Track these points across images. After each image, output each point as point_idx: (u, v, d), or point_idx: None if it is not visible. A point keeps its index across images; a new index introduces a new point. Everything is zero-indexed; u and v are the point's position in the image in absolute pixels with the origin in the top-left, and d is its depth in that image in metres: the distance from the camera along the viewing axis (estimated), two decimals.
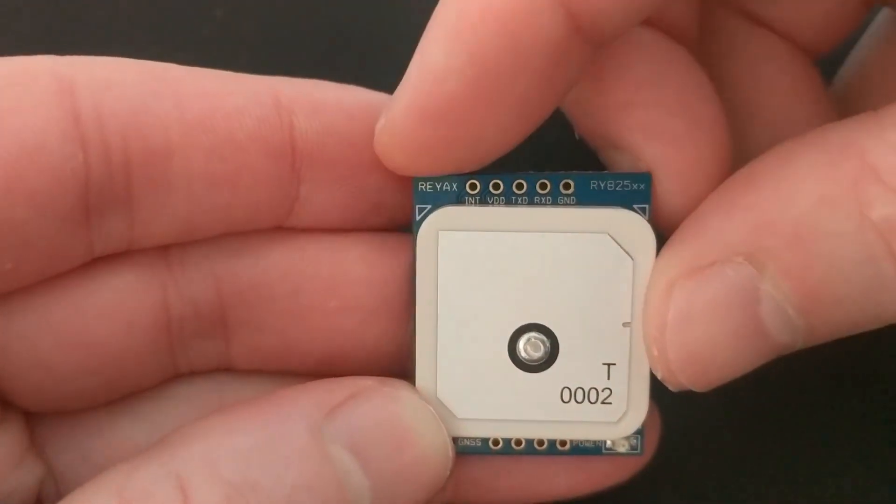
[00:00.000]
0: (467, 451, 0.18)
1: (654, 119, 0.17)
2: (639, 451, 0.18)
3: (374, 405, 0.16)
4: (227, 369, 0.18)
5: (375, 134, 0.16)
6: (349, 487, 0.15)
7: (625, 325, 0.17)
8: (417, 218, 0.17)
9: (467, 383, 0.17)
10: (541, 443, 0.18)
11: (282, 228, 0.18)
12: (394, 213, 0.18)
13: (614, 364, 0.17)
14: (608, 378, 0.17)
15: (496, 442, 0.18)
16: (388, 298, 0.18)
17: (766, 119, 0.19)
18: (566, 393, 0.17)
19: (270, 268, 0.18)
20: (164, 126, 0.15)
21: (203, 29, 0.24)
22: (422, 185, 0.17)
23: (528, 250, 0.17)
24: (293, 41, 0.24)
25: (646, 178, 0.17)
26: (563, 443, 0.18)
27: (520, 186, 0.17)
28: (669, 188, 0.17)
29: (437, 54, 0.15)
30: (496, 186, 0.17)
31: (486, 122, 0.15)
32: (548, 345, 0.17)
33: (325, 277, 0.18)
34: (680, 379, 0.16)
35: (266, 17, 0.24)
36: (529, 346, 0.17)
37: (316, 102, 0.17)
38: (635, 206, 0.17)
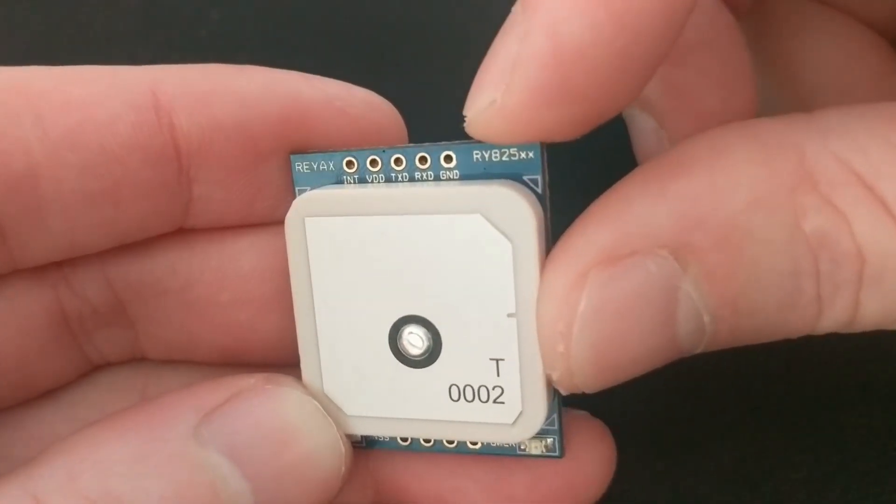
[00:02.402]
0: (376, 445, 0.17)
1: (679, 76, 0.16)
2: (557, 453, 0.16)
3: (254, 404, 0.15)
4: (144, 359, 0.18)
5: (477, 115, 0.14)
6: (225, 494, 0.15)
7: (509, 315, 0.15)
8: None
9: (353, 379, 0.16)
10: (451, 442, 0.16)
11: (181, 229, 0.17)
12: None
13: (503, 359, 0.15)
14: (497, 375, 0.15)
15: (404, 439, 0.17)
16: (282, 289, 0.17)
17: (825, 94, 0.18)
18: (454, 391, 0.16)
19: (159, 264, 0.17)
20: (24, 149, 0.15)
21: (200, 30, 0.25)
22: (299, 165, 0.16)
23: (399, 235, 0.15)
24: (290, 42, 0.24)
25: (535, 147, 0.15)
26: (473, 442, 0.16)
27: (398, 162, 0.16)
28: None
29: (575, 25, 0.13)
30: (374, 163, 0.16)
31: (624, 89, 0.14)
32: (429, 338, 0.15)
33: (214, 271, 0.17)
34: (577, 380, 0.14)
35: (262, 18, 0.24)
36: (410, 341, 0.16)
37: (200, 95, 0.16)
38: (525, 178, 0.15)
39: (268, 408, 0.15)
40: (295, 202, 0.16)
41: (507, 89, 0.13)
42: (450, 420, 0.16)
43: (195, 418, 0.15)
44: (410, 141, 0.17)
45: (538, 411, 0.15)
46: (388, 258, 0.15)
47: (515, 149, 0.15)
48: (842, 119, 0.14)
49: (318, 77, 0.16)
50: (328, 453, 0.16)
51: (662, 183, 0.14)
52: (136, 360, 0.18)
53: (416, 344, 0.15)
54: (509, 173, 0.15)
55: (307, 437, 0.16)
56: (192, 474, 0.14)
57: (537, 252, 0.15)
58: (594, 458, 0.17)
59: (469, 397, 0.15)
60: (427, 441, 0.17)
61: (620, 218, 0.14)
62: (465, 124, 0.14)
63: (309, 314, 0.16)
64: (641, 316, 0.13)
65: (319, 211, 0.15)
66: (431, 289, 0.15)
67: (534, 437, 0.16)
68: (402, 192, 0.15)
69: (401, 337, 0.16)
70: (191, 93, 0.16)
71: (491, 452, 0.16)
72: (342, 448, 0.16)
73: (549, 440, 0.16)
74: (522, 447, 0.16)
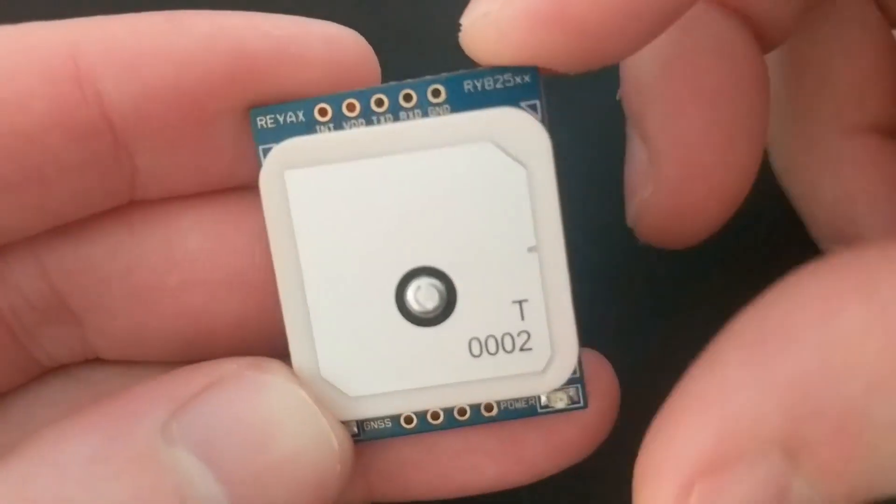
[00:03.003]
0: (376, 435, 0.15)
1: (682, 125, 0.16)
2: (581, 404, 0.15)
3: (232, 395, 0.13)
4: (97, 360, 0.16)
5: (472, 25, 0.13)
6: (194, 499, 0.12)
7: (530, 249, 0.14)
8: (262, 160, 0.14)
9: (355, 354, 0.14)
10: (462, 412, 0.15)
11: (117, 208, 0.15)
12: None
13: (526, 300, 0.14)
14: (522, 319, 0.14)
15: (409, 419, 0.15)
16: (239, 269, 0.15)
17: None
18: (475, 345, 0.14)
19: (97, 248, 0.15)
20: None
21: None
22: (260, 119, 0.14)
23: (399, 178, 0.14)
24: None
25: (531, 69, 0.14)
26: (488, 407, 0.15)
27: (380, 103, 0.14)
28: (669, 176, 0.16)
29: None
30: (351, 108, 0.14)
31: (629, 32, 0.13)
32: (443, 289, 0.14)
33: (158, 252, 0.15)
34: None
35: None
36: (421, 295, 0.14)
37: (129, 59, 0.13)
38: (523, 104, 0.14)
39: (247, 399, 0.13)
40: (271, 153, 0.14)
41: (504, 2, 0.13)
42: (472, 380, 0.14)
43: (165, 412, 0.13)
44: (386, 80, 0.15)
45: (570, 353, 0.14)
46: (387, 206, 0.14)
47: (510, 73, 0.14)
48: None
49: (265, 16, 0.14)
50: (318, 450, 0.14)
51: (767, 364, 0.12)
52: (91, 361, 0.16)
53: (428, 298, 0.14)
54: (504, 102, 0.14)
55: (292, 433, 0.13)
56: (157, 477, 0.12)
57: (553, 175, 0.14)
58: (602, 393, 0.16)
59: (492, 349, 0.14)
60: (436, 418, 0.15)
61: (723, 412, 0.12)
62: (459, 35, 0.13)
63: (296, 286, 0.14)
64: None
65: (301, 161, 0.14)
66: (440, 234, 0.14)
67: (557, 390, 0.15)
68: (397, 127, 0.14)
69: (409, 293, 0.14)
70: (117, 56, 0.13)
71: (508, 417, 0.15)
72: (334, 443, 0.14)
73: (572, 391, 0.15)
74: (544, 404, 0.15)
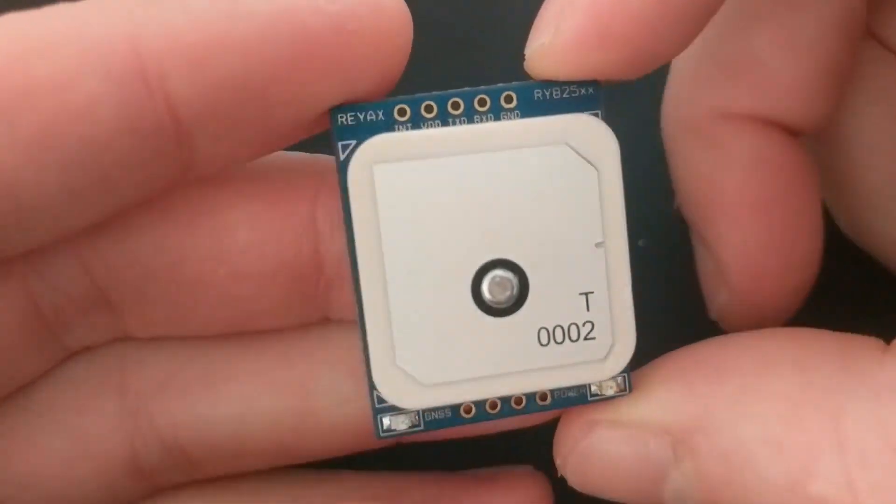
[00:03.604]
0: (436, 426, 0.15)
1: (732, 214, 0.17)
2: (627, 391, 0.16)
3: None
4: (125, 339, 0.16)
5: (534, 54, 0.14)
6: None
7: (597, 245, 0.15)
8: (342, 157, 0.14)
9: (431, 343, 0.15)
10: (518, 401, 0.15)
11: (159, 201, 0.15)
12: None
13: (592, 292, 0.15)
14: (587, 310, 0.15)
15: (468, 409, 0.15)
16: (285, 260, 0.15)
17: None
18: (544, 334, 0.15)
19: (143, 243, 0.15)
20: None
21: None
22: (341, 117, 0.15)
23: (479, 175, 0.15)
24: None
25: (593, 83, 0.15)
26: (543, 396, 0.16)
27: (456, 106, 0.15)
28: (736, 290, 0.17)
29: None
30: (429, 109, 0.15)
31: (669, 38, 0.14)
32: (515, 281, 0.15)
33: (206, 245, 0.15)
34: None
35: None
36: (495, 286, 0.15)
37: (195, 50, 0.13)
38: (586, 114, 0.15)
39: None
40: (361, 147, 0.14)
41: (555, 32, 0.14)
42: (539, 367, 0.15)
43: None
44: (437, 82, 0.16)
45: (629, 340, 0.15)
46: (467, 202, 0.15)
47: (575, 86, 0.15)
48: None
49: None
50: None
51: (694, 381, 0.15)
52: (118, 340, 0.16)
53: (503, 289, 0.15)
54: (570, 110, 0.15)
55: None
56: None
57: (620, 177, 0.15)
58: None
59: (559, 339, 0.15)
60: (493, 407, 0.16)
61: (648, 395, 0.15)
62: (524, 63, 0.15)
63: (378, 276, 0.14)
64: (627, 478, 0.15)
65: (390, 156, 0.14)
66: (515, 229, 0.15)
67: (608, 378, 0.16)
68: (479, 128, 0.15)
69: (484, 285, 0.15)
70: (182, 50, 0.13)
71: (562, 405, 0.16)
72: None
73: (620, 379, 0.16)
74: (594, 392, 0.16)
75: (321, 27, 0.13)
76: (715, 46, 0.17)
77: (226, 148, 0.14)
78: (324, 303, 0.16)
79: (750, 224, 0.17)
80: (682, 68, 0.18)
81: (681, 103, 0.18)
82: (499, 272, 0.15)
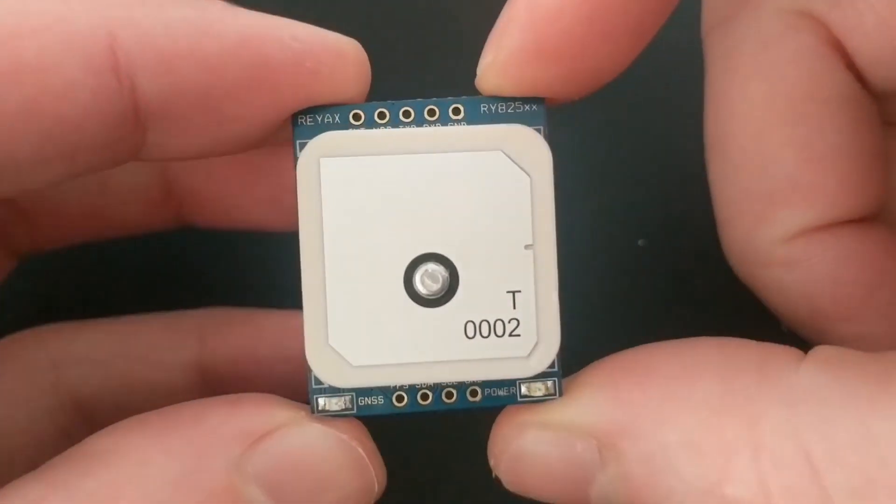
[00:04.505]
0: (368, 412, 0.16)
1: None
2: (557, 394, 0.16)
3: (298, 441, 0.15)
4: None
5: (481, 71, 0.16)
6: None
7: (527, 247, 0.16)
8: (297, 152, 0.16)
9: (362, 326, 0.16)
10: (449, 395, 0.16)
11: None
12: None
13: (519, 291, 0.16)
14: (514, 307, 0.16)
15: (400, 398, 0.16)
16: None
17: None
18: (470, 327, 0.16)
19: None
20: None
21: None
22: (302, 119, 0.16)
23: (418, 173, 0.16)
24: None
25: (539, 100, 0.16)
26: (473, 392, 0.16)
27: (407, 114, 0.16)
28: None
29: None
30: (382, 115, 0.16)
31: (601, 54, 0.15)
32: (446, 275, 0.16)
33: None
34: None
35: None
36: (427, 278, 0.16)
37: (164, 57, 0.14)
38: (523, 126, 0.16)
39: (313, 447, 0.15)
40: (311, 142, 0.16)
41: (497, 49, 0.15)
42: (463, 359, 0.16)
43: (239, 447, 0.15)
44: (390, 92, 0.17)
45: (553, 341, 0.16)
46: (406, 197, 0.16)
47: (520, 102, 0.16)
48: (820, 389, 0.14)
49: (288, 26, 0.15)
50: (363, 497, 0.16)
51: (621, 386, 0.15)
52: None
53: (433, 281, 0.16)
54: (512, 123, 0.16)
55: (347, 482, 0.15)
56: None
57: (552, 185, 0.16)
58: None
59: (485, 333, 0.16)
60: (425, 399, 0.16)
61: (577, 399, 0.16)
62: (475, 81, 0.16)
63: (317, 262, 0.16)
64: (557, 479, 0.16)
65: (336, 151, 0.16)
66: (449, 225, 0.16)
67: (536, 380, 0.16)
68: (422, 131, 0.16)
69: (416, 276, 0.16)
70: (153, 54, 0.14)
71: (492, 404, 0.16)
72: (376, 488, 0.16)
73: (550, 382, 0.16)
74: (524, 393, 0.16)
75: (281, 60, 0.15)
76: (752, 182, 0.18)
77: (175, 144, 0.16)
78: None
79: None
80: (727, 214, 0.19)
81: (741, 245, 0.19)
82: (431, 265, 0.16)
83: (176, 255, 0.21)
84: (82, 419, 0.20)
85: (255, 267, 0.21)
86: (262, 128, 0.16)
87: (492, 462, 0.17)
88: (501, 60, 0.15)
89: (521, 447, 0.16)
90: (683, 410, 0.15)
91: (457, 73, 0.17)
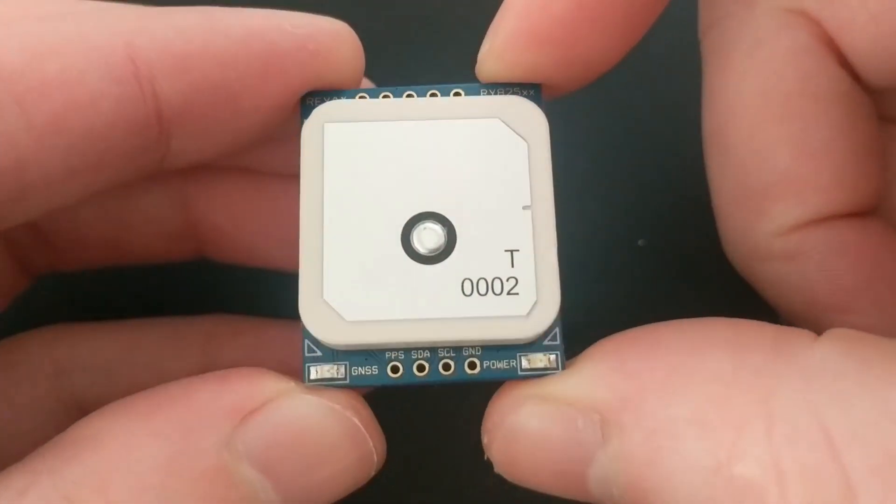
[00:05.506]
0: (361, 382, 0.16)
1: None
2: (559, 368, 0.16)
3: (291, 415, 0.15)
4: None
5: (479, 58, 0.16)
6: None
7: (525, 207, 0.16)
8: (302, 122, 0.17)
9: (358, 282, 0.15)
10: (447, 367, 0.16)
11: None
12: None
13: (517, 250, 0.16)
14: (512, 266, 0.16)
15: (395, 369, 0.16)
16: None
17: None
18: (467, 285, 0.15)
19: None
20: (11, 143, 0.14)
21: None
22: (309, 100, 0.17)
23: (418, 138, 0.16)
24: None
25: (535, 86, 0.17)
26: (472, 364, 0.16)
27: (410, 97, 0.17)
28: None
29: None
30: (385, 97, 0.17)
31: (592, 42, 0.16)
32: (443, 233, 0.16)
33: None
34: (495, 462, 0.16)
35: None
36: (424, 236, 0.16)
37: (180, 59, 0.15)
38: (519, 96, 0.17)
39: (306, 420, 0.15)
40: (316, 109, 0.16)
41: (494, 36, 0.16)
42: (461, 317, 0.15)
43: (229, 424, 0.14)
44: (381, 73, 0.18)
45: (552, 302, 0.15)
46: (406, 161, 0.16)
47: (517, 87, 0.17)
48: (837, 365, 0.13)
49: (286, 16, 0.16)
50: (361, 469, 0.15)
51: (626, 358, 0.15)
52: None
53: (430, 238, 0.16)
54: None
55: (344, 454, 0.15)
56: (227, 490, 0.14)
57: (549, 152, 0.16)
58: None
59: (482, 290, 0.15)
60: (421, 370, 0.16)
61: (579, 371, 0.15)
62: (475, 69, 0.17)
63: (316, 220, 0.16)
64: (555, 459, 0.15)
65: (340, 117, 0.16)
66: (448, 187, 0.16)
67: (538, 352, 0.16)
68: (424, 101, 0.17)
69: (414, 233, 0.16)
70: (169, 56, 0.15)
71: (490, 376, 0.16)
72: (374, 459, 0.15)
73: (552, 356, 0.16)
74: (525, 366, 0.16)
75: (286, 46, 0.16)
76: (748, 177, 0.18)
77: (197, 145, 0.17)
78: None
79: None
80: (725, 210, 0.19)
81: (739, 240, 0.19)
82: (428, 223, 0.16)
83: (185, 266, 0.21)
84: None
85: (262, 277, 0.20)
86: (275, 114, 0.17)
87: (485, 440, 0.15)
88: (497, 46, 0.16)
89: (518, 422, 0.15)
90: (692, 384, 0.14)
91: (457, 73, 0.18)
